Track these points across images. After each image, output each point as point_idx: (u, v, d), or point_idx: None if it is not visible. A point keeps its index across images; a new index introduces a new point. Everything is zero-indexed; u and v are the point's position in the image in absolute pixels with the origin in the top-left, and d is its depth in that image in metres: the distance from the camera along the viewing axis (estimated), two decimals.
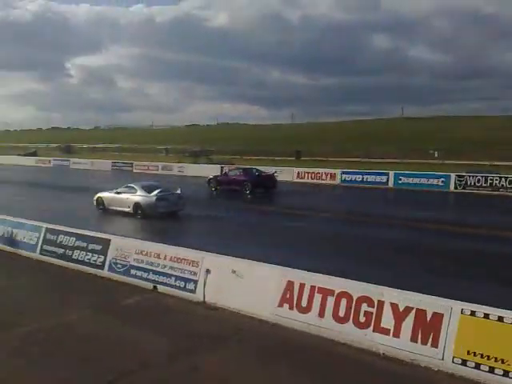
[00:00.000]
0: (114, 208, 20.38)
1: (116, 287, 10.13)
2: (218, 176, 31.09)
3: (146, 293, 9.68)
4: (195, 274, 9.28)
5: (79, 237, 11.76)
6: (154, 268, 9.94)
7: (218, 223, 19.32)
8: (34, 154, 65.28)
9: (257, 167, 31.10)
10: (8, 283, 10.47)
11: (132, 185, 20.54)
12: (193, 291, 9.23)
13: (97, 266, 11.00)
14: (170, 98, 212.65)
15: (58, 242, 12.06)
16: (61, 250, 11.90)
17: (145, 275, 10.04)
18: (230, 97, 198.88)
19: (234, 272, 8.71)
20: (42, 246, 12.32)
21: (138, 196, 19.65)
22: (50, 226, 12.52)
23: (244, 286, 8.59)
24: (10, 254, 12.73)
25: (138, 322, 8.35)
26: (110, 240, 11.07)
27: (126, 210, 19.83)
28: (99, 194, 21.18)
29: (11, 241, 13.02)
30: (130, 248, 10.56)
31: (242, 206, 23.91)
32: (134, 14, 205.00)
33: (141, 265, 10.18)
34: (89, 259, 11.26)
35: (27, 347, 7.25)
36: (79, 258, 11.44)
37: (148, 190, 19.81)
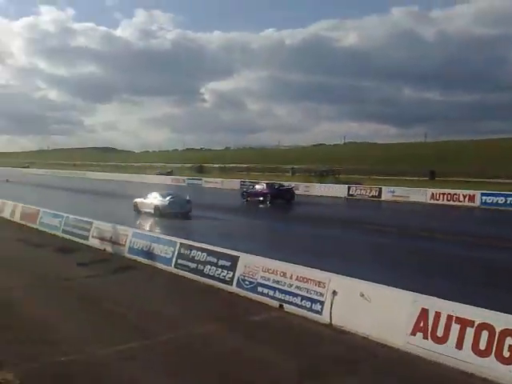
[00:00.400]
0: (143, 210, 26.79)
1: (244, 303, 10.28)
2: (247, 189, 38.56)
3: (272, 311, 9.70)
4: (322, 294, 9.10)
5: (210, 252, 12.16)
6: (281, 286, 9.92)
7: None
8: (170, 174, 69.79)
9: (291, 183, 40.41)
10: (147, 294, 11.11)
11: (154, 193, 27.11)
12: (319, 312, 9.05)
13: (226, 282, 11.25)
14: (297, 118, 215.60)
15: (190, 256, 12.60)
16: (193, 265, 12.40)
17: (271, 293, 10.07)
18: (357, 116, 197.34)
19: (362, 295, 8.40)
20: (176, 260, 12.97)
21: (157, 201, 26.11)
22: (184, 241, 13.16)
23: (373, 310, 8.22)
24: (149, 266, 13.58)
25: (266, 339, 8.35)
26: (238, 257, 11.30)
27: (149, 210, 26.22)
28: (135, 200, 27.79)
29: (149, 254, 13.91)
30: (257, 265, 10.67)
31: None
32: (264, 39, 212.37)
33: (267, 283, 10.23)
34: (219, 274, 11.57)
35: (166, 356, 7.59)
36: (210, 273, 11.80)
37: (164, 196, 26.44)
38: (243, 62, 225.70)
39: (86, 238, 17.06)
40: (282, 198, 34.33)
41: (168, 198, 25.89)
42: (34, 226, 20.50)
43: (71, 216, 18.75)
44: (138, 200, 27.50)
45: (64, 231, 18.53)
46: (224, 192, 46.45)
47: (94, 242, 16.65)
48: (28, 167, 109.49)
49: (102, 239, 16.27)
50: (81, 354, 7.52)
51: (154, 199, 26.33)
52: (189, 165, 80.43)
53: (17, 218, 22.47)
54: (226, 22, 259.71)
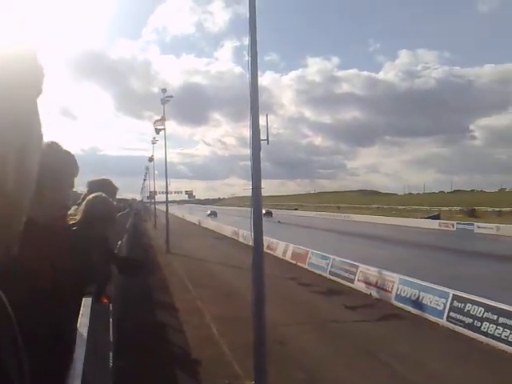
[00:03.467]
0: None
1: None
2: None
3: None
4: None
5: (488, 308, 10.82)
6: None
7: None
8: (436, 217, 66.56)
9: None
10: (420, 349, 10.33)
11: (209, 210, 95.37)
12: None
13: (509, 343, 9.81)
14: None
15: (465, 310, 11.42)
16: (469, 320, 11.19)
17: None
18: None
19: None
20: (448, 313, 11.90)
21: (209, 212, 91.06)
22: (458, 293, 12.01)
23: None
24: (417, 316, 12.78)
25: None
26: None
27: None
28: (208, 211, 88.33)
29: (418, 304, 13.11)
30: None
31: None
32: None
33: None
34: (499, 334, 10.19)
35: None
36: (488, 331, 10.49)
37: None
38: None
39: (352, 280, 17.12)
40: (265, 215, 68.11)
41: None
42: (304, 266, 21.59)
43: (337, 258, 19.14)
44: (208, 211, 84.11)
45: (331, 273, 18.99)
46: (500, 239, 41.73)
47: (359, 285, 16.58)
48: (297, 209, 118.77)
49: (367, 283, 16.09)
50: None
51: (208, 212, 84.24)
52: (457, 208, 75.58)
53: (288, 257, 24.06)
54: (498, 54, 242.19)
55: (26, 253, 1.80)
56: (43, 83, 0.62)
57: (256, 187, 7.86)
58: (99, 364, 2.67)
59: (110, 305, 5.50)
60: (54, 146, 2.13)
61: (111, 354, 4.68)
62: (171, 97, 33.58)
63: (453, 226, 54.40)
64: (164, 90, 33.04)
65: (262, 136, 7.92)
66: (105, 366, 3.15)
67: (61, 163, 2.11)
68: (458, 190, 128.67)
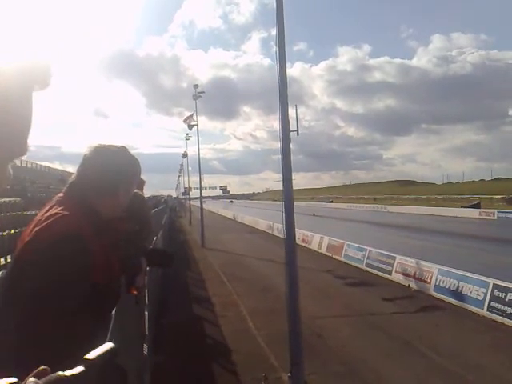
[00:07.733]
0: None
1: None
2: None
3: None
4: None
5: None
6: None
7: None
8: (476, 206, 64.86)
9: None
10: (460, 339, 10.10)
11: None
12: None
13: None
14: None
15: (506, 300, 11.10)
16: (510, 310, 10.88)
17: None
18: None
19: None
20: (489, 303, 11.59)
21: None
22: (499, 283, 11.69)
23: None
24: (457, 307, 12.50)
25: None
26: None
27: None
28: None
29: (457, 294, 12.82)
30: None
31: None
32: None
33: None
34: None
35: None
36: None
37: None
38: None
39: (389, 272, 16.87)
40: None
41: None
42: (339, 258, 21.41)
43: (374, 250, 18.90)
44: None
45: (367, 264, 18.77)
46: None
47: (397, 276, 16.33)
48: (332, 202, 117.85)
49: (405, 275, 15.83)
50: None
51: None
52: (498, 196, 73.48)
53: (323, 250, 23.91)
54: None
55: (96, 245, 1.86)
56: (46, 77, 0.57)
57: (286, 179, 7.77)
58: (130, 352, 2.71)
59: (146, 299, 5.59)
60: (123, 149, 2.19)
61: (146, 346, 4.75)
62: (203, 92, 33.70)
63: (493, 214, 52.84)
64: (196, 86, 33.18)
65: (292, 128, 7.83)
66: (137, 355, 3.19)
67: (130, 166, 2.18)
68: (499, 178, 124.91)
